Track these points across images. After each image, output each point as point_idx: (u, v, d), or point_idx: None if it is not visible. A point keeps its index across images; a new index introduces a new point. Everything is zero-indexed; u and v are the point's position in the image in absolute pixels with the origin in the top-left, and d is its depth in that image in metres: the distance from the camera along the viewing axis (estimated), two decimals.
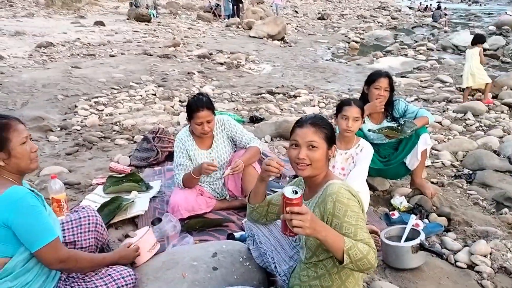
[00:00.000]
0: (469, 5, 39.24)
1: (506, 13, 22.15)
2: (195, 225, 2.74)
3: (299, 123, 1.82)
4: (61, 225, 2.09)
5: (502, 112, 6.08)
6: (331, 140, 1.78)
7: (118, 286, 1.93)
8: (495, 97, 6.86)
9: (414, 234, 2.51)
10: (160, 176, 3.62)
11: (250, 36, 14.31)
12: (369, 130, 3.30)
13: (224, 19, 19.03)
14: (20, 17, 16.23)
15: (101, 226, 2.23)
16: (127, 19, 17.23)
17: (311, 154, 1.73)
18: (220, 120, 3.04)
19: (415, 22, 23.48)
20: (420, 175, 3.32)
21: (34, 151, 1.89)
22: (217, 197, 3.08)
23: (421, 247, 2.39)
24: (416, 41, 14.78)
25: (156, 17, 18.53)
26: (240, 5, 19.64)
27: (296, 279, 1.87)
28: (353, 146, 2.92)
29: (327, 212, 1.64)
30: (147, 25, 15.99)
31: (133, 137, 4.73)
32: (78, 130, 4.98)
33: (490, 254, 2.62)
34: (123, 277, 1.96)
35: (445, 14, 22.39)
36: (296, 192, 1.50)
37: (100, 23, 14.99)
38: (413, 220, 2.61)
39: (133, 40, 12.20)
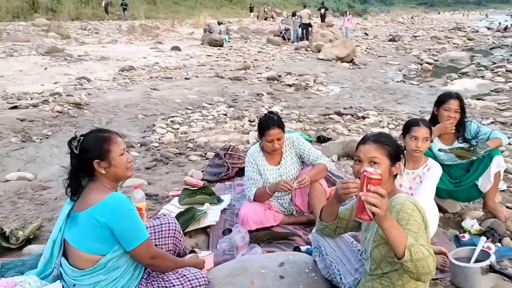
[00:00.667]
0: None
1: None
2: (263, 237, 2.87)
3: (363, 140, 1.92)
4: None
5: None
6: (394, 157, 1.85)
7: (192, 286, 2.09)
8: None
9: (484, 256, 2.46)
10: (231, 191, 3.81)
11: (319, 59, 14.46)
12: (439, 150, 3.27)
13: (293, 42, 19.38)
14: (105, 43, 17.61)
15: (179, 232, 2.43)
16: (201, 44, 18.09)
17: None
18: (289, 138, 3.18)
19: (494, 43, 22.39)
20: (493, 198, 3.23)
21: (130, 161, 2.15)
22: (284, 212, 3.20)
23: (491, 269, 2.34)
24: (494, 63, 14.11)
25: (228, 41, 19.28)
26: (310, 28, 19.93)
27: None
28: (420, 166, 2.93)
29: None
30: (220, 49, 16.70)
31: (206, 153, 5.00)
32: (156, 147, 5.34)
33: None
34: (197, 278, 2.12)
35: None
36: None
37: (176, 48, 15.88)
38: (483, 241, 2.57)
39: (206, 64, 12.81)
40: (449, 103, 3.18)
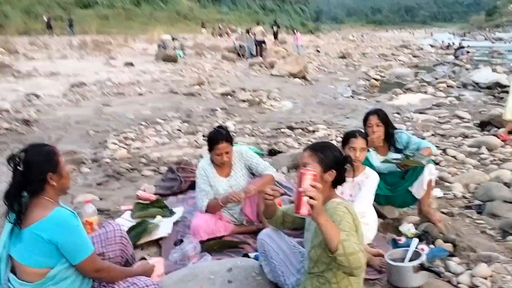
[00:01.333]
0: (493, 43, 39.27)
1: None
2: (214, 246, 2.99)
3: (304, 148, 2.11)
4: (90, 239, 2.37)
5: None
6: (326, 165, 2.01)
7: None
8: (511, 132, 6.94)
9: (416, 256, 2.69)
10: (183, 203, 3.90)
11: (272, 75, 14.80)
12: (384, 161, 3.52)
13: (247, 59, 19.71)
14: (55, 58, 17.22)
15: (126, 239, 2.50)
16: (155, 59, 18.05)
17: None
18: (238, 151, 3.33)
19: (437, 60, 23.74)
20: (426, 204, 3.49)
21: (70, 171, 2.21)
22: (235, 222, 3.33)
23: (422, 267, 2.57)
24: (437, 78, 14.96)
25: (183, 57, 19.33)
26: (263, 45, 20.35)
27: None
28: (359, 174, 3.15)
29: None
30: (174, 65, 16.73)
31: (159, 168, 5.06)
32: (108, 163, 5.33)
33: (491, 276, 2.76)
34: (147, 286, 2.19)
35: (468, 52, 22.57)
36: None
37: (129, 64, 15.78)
38: (415, 243, 2.79)
39: (160, 80, 12.82)
40: (369, 119, 3.51)
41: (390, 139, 3.54)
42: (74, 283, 2.10)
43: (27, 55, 17.64)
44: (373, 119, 3.50)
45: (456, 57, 21.93)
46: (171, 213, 3.55)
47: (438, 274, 2.70)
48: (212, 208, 3.15)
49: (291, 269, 2.28)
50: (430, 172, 3.40)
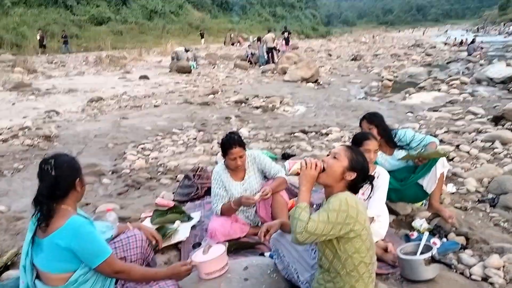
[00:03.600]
0: (505, 37, 38.81)
1: None
2: (231, 247, 3.08)
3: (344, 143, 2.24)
4: (113, 244, 2.51)
5: None
6: (353, 165, 2.11)
7: None
8: None
9: (428, 250, 2.76)
10: (200, 208, 4.03)
11: (285, 81, 14.94)
12: (400, 159, 3.61)
13: (259, 66, 19.89)
14: (72, 75, 17.66)
15: (146, 243, 2.63)
16: (169, 71, 18.37)
17: (330, 161, 2.11)
18: (251, 155, 3.45)
19: (450, 57, 23.56)
20: (438, 199, 3.56)
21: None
22: (250, 223, 3.44)
23: (433, 259, 2.64)
24: (450, 76, 14.87)
25: (196, 68, 19.62)
26: (275, 51, 20.54)
27: (315, 283, 2.18)
28: (371, 173, 3.23)
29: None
30: (188, 76, 17.00)
31: (176, 176, 5.20)
32: (127, 173, 5.51)
33: (503, 267, 2.81)
34: (167, 285, 2.30)
35: (481, 48, 22.34)
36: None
37: (144, 77, 16.09)
38: (426, 236, 2.86)
39: (175, 91, 13.06)
40: (363, 127, 3.66)
41: (390, 139, 3.63)
42: (96, 284, 2.23)
43: (45, 73, 18.13)
44: (364, 124, 3.65)
45: (470, 54, 21.74)
46: (189, 218, 3.68)
47: (449, 266, 2.76)
48: (226, 211, 3.27)
49: (304, 266, 2.37)
50: (443, 165, 3.47)
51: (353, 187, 2.13)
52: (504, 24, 66.85)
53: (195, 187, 4.37)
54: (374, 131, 3.54)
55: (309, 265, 2.37)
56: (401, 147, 3.64)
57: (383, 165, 3.53)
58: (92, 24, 38.66)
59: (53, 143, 7.25)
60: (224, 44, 38.93)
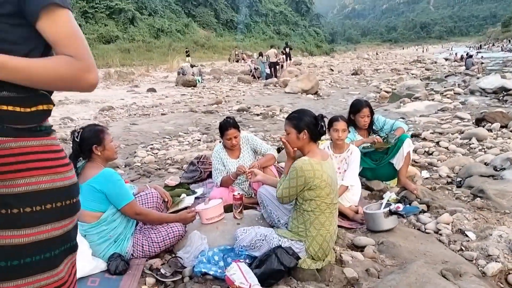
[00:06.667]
0: (505, 53, 39.52)
1: None
2: (228, 209, 3.69)
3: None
4: (135, 198, 3.14)
5: (509, 138, 6.70)
6: (299, 127, 2.71)
7: (173, 231, 2.91)
8: (504, 126, 7.49)
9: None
10: (203, 187, 4.64)
11: (286, 92, 15.64)
12: (364, 148, 4.24)
13: (262, 80, 20.64)
14: None
15: (160, 199, 3.26)
16: (176, 85, 19.14)
17: (286, 137, 2.78)
18: (245, 137, 4.09)
19: (449, 71, 24.20)
20: (405, 174, 4.16)
21: (117, 147, 3.00)
22: (245, 195, 4.05)
23: (391, 213, 3.23)
24: (446, 88, 15.46)
25: (201, 82, 20.39)
26: (277, 66, 21.33)
27: (290, 222, 2.79)
28: (344, 151, 3.86)
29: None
30: (193, 89, 17.75)
31: (182, 166, 5.83)
32: (139, 166, 6.14)
33: (452, 222, 3.40)
34: (177, 228, 2.94)
35: (482, 63, 22.93)
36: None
37: (152, 90, 16.86)
38: (387, 196, 3.46)
39: (181, 101, 13.78)
40: (363, 111, 4.23)
41: (371, 124, 4.26)
42: (121, 224, 2.86)
43: None
44: (366, 111, 4.23)
45: (468, 68, 22.36)
46: (193, 192, 4.30)
47: (402, 216, 3.35)
48: (225, 182, 3.89)
49: (283, 211, 2.98)
50: (408, 145, 4.09)
51: (315, 136, 2.74)
52: (510, 41, 67.59)
53: (199, 171, 4.98)
54: (370, 119, 4.21)
55: (287, 210, 2.97)
56: (375, 132, 4.26)
57: (360, 149, 4.15)
58: (101, 43, 39.82)
59: (69, 144, 7.89)
60: (229, 61, 39.89)
